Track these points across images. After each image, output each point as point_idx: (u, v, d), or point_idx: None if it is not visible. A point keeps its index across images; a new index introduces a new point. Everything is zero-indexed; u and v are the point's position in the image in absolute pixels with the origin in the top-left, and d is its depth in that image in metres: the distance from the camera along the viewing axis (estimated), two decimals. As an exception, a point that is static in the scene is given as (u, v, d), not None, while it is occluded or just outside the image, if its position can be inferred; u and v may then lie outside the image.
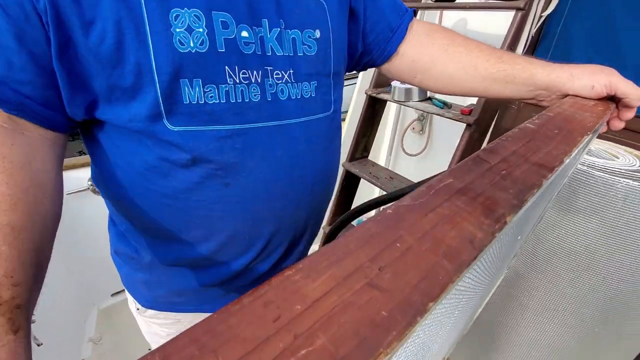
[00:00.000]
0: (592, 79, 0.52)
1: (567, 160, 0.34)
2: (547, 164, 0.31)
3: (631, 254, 0.72)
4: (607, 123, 0.56)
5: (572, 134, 0.39)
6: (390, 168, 2.02)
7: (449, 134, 1.74)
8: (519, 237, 0.51)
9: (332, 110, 0.55)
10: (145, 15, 0.37)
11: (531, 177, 0.28)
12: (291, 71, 0.48)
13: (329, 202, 0.64)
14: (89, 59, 0.37)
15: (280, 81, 0.47)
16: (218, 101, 0.42)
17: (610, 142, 0.89)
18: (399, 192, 1.20)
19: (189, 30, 0.39)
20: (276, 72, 0.46)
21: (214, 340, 0.12)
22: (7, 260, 0.35)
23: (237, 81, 0.43)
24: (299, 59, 0.48)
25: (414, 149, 1.88)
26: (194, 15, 0.39)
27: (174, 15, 0.38)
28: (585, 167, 0.70)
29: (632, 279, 0.75)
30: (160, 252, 0.53)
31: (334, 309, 0.14)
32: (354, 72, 0.72)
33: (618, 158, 0.81)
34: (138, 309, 0.62)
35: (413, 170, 1.94)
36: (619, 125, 0.55)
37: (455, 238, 0.19)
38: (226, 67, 0.42)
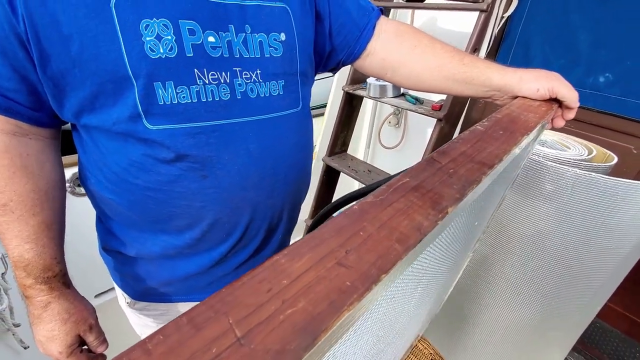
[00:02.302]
0: (537, 83, 0.59)
1: (507, 158, 0.40)
2: (488, 162, 0.37)
3: (580, 235, 0.80)
4: (551, 121, 0.63)
5: (514, 134, 0.46)
6: (368, 161, 2.09)
7: (423, 127, 1.82)
8: (476, 224, 0.57)
9: (301, 107, 0.60)
10: (118, 28, 0.41)
11: (473, 174, 0.34)
12: (259, 71, 0.52)
13: (304, 193, 0.69)
14: (72, 71, 0.42)
15: (249, 81, 0.51)
16: (190, 101, 0.47)
17: (563, 134, 0.98)
18: (374, 184, 1.26)
19: (159, 38, 0.43)
20: (244, 72, 0.51)
21: (224, 306, 0.17)
22: (51, 249, 0.53)
23: (207, 82, 0.48)
24: (266, 60, 0.53)
25: (391, 142, 1.95)
26: (162, 24, 0.43)
27: (144, 25, 0.42)
28: (539, 158, 0.78)
29: (582, 257, 0.84)
30: (147, 244, 0.57)
31: (311, 282, 0.19)
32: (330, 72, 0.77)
33: (569, 148, 0.90)
34: (128, 302, 0.66)
35: (390, 163, 2.01)
36: (560, 123, 0.63)
37: (406, 227, 0.24)
38: (195, 69, 0.46)
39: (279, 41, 0.54)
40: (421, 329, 0.62)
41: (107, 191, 0.52)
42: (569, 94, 0.59)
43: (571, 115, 0.63)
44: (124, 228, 0.57)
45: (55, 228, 0.53)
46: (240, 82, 0.50)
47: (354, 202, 0.28)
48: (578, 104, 0.61)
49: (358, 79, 1.54)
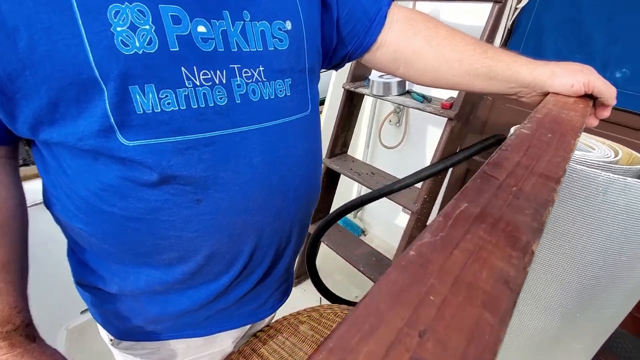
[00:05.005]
0: (571, 78, 0.53)
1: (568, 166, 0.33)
2: (552, 174, 0.30)
3: (613, 243, 0.74)
4: None
5: (565, 138, 0.39)
6: (368, 161, 2.02)
7: (426, 126, 1.76)
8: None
9: (310, 110, 0.52)
10: (78, 15, 0.32)
11: (542, 192, 0.27)
12: (261, 68, 0.44)
13: (314, 207, 0.62)
14: (22, 73, 0.33)
15: (250, 80, 0.43)
16: (177, 108, 0.38)
17: (585, 133, 0.91)
18: (385, 189, 1.19)
19: (133, 28, 0.34)
20: (244, 70, 0.42)
21: None
22: (9, 295, 0.41)
23: (198, 83, 0.39)
24: (269, 55, 0.44)
25: (392, 142, 1.88)
26: (137, 10, 0.34)
27: (113, 12, 0.33)
28: (564, 160, 0.72)
29: (611, 268, 0.78)
30: (129, 279, 0.48)
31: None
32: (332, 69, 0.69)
33: (594, 149, 0.83)
34: (111, 340, 0.57)
35: (391, 163, 1.95)
36: (594, 122, 0.57)
37: (488, 280, 0.17)
38: (182, 68, 0.38)
39: (284, 31, 0.46)
40: None
41: (77, 220, 0.43)
42: (607, 90, 0.53)
43: (607, 113, 0.57)
44: (101, 261, 0.48)
45: (13, 268, 0.42)
46: (239, 82, 0.42)
47: (410, 248, 0.21)
48: (615, 102, 0.55)
49: (359, 75, 1.46)
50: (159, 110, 0.37)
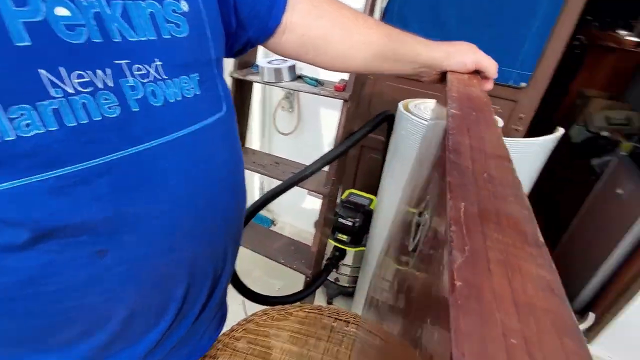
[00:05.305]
0: (464, 56, 0.58)
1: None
2: (501, 153, 0.31)
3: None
4: None
5: (484, 113, 0.42)
6: (267, 150, 1.97)
7: (317, 109, 1.78)
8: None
9: (225, 109, 0.45)
10: None
11: (506, 175, 0.27)
12: (158, 63, 0.34)
13: (243, 218, 0.55)
14: None
15: (146, 79, 0.33)
16: (44, 130, 0.27)
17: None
18: (296, 177, 1.16)
19: None
20: (136, 66, 0.32)
21: None
22: None
23: (71, 91, 0.28)
24: (166, 44, 0.35)
25: (287, 128, 1.86)
26: None
27: None
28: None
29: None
30: None
31: None
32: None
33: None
34: None
35: (288, 149, 1.93)
36: None
37: (538, 294, 0.16)
38: (41, 70, 0.27)
39: (179, 13, 0.36)
40: None
41: None
42: (491, 65, 0.59)
43: (490, 86, 0.64)
44: None
45: None
46: (132, 83, 0.32)
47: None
48: (497, 75, 0.63)
49: (246, 62, 1.37)
50: (14, 137, 0.26)
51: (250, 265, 1.77)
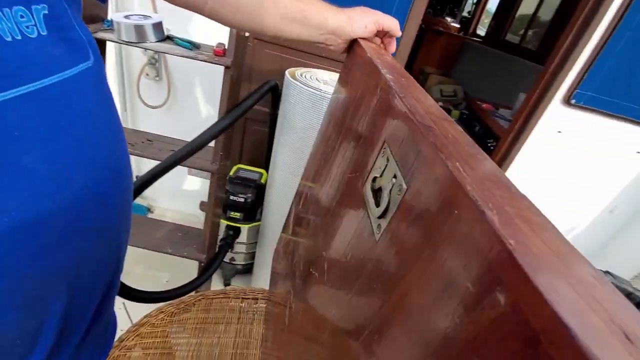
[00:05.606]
0: (364, 19, 0.57)
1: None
2: (444, 116, 0.32)
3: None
4: None
5: (408, 79, 0.43)
6: (132, 126, 1.66)
7: (192, 78, 1.59)
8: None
9: (93, 60, 0.34)
10: None
11: (462, 136, 0.28)
12: None
13: (131, 203, 0.44)
14: None
15: None
16: None
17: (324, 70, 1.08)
18: (178, 155, 1.02)
19: None
20: None
21: None
22: None
23: None
24: None
25: (156, 101, 1.60)
26: None
27: None
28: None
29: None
30: None
31: None
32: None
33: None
34: None
35: (159, 125, 1.68)
36: None
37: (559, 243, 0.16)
38: None
39: None
40: None
41: None
42: (393, 23, 0.59)
43: (393, 47, 0.63)
44: None
45: None
46: None
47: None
48: (400, 33, 0.65)
49: (94, 16, 1.09)
50: None
51: (128, 262, 1.52)
